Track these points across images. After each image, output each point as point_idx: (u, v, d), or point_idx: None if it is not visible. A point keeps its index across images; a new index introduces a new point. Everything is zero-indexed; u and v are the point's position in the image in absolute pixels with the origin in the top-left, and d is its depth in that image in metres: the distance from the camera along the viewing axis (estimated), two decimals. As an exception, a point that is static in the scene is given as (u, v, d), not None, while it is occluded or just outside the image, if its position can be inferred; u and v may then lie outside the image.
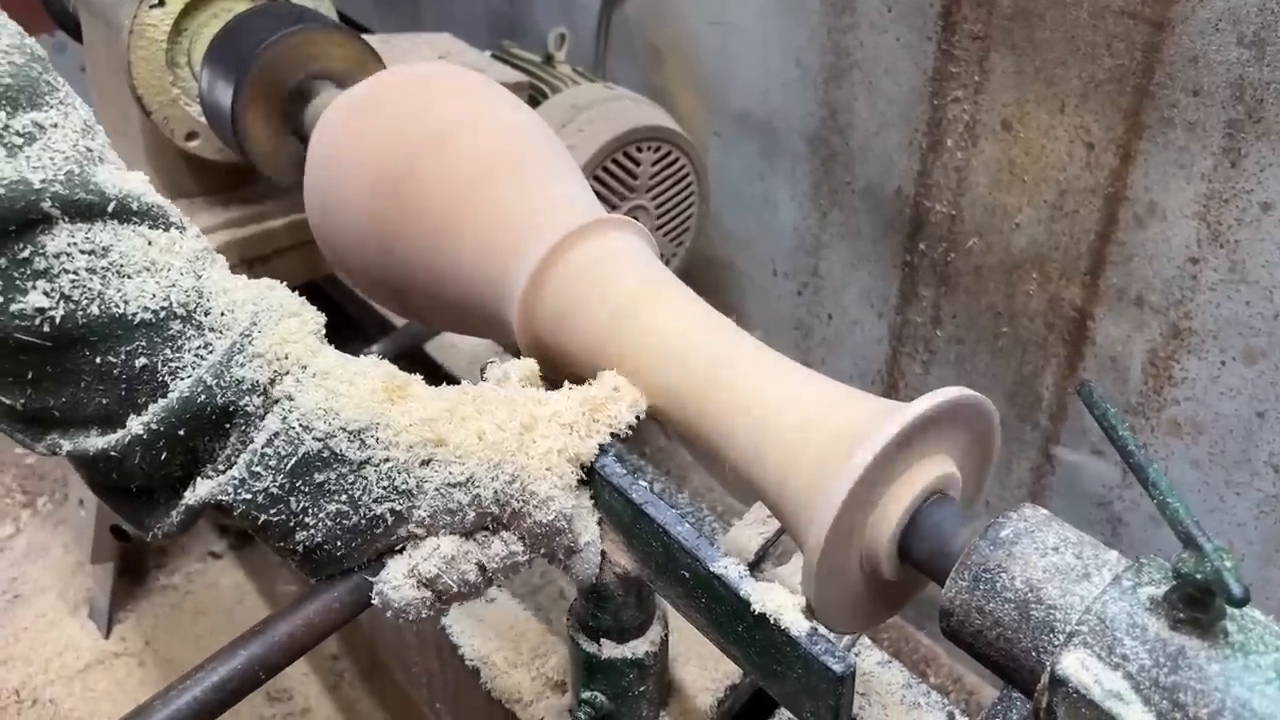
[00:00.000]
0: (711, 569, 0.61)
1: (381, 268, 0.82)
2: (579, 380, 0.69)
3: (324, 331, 0.65)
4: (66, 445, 0.59)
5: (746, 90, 1.57)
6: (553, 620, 0.97)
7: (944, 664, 1.59)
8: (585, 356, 0.71)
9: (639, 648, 0.75)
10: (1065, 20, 1.13)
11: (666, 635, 0.77)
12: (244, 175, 1.27)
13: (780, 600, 0.58)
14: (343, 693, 1.59)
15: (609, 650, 0.74)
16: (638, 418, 0.67)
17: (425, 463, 0.61)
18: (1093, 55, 1.12)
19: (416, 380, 0.65)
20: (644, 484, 0.65)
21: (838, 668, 0.55)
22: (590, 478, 0.66)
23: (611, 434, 0.66)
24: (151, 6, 1.09)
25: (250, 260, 1.27)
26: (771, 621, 0.58)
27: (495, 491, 0.61)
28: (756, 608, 0.58)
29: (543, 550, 0.65)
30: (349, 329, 1.42)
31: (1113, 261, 1.19)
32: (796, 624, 0.57)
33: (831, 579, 0.57)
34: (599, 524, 0.67)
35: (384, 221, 0.79)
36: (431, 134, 0.79)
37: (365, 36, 1.10)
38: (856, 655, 0.85)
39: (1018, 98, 1.21)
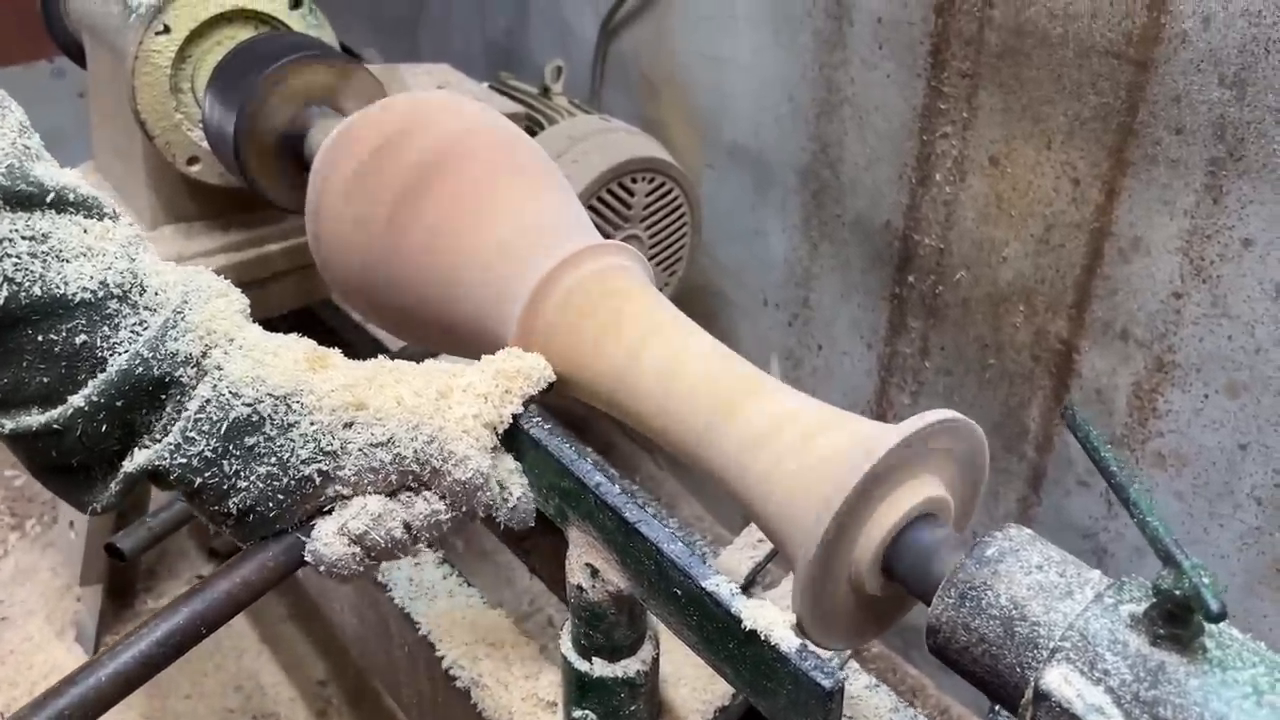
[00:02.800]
0: (703, 586, 0.62)
1: (381, 290, 0.83)
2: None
3: (249, 311, 0.69)
4: (9, 425, 0.62)
5: (739, 124, 1.59)
6: (547, 646, 0.98)
7: (931, 694, 1.60)
8: (581, 376, 0.72)
9: (631, 666, 0.75)
10: (1052, 59, 1.16)
11: (658, 654, 0.78)
12: (243, 200, 1.28)
13: (771, 617, 0.59)
14: (330, 719, 1.59)
15: (601, 669, 0.75)
16: (547, 388, 0.72)
17: (348, 425, 0.65)
18: (1078, 94, 1.15)
19: (336, 353, 0.70)
20: (636, 503, 0.66)
21: (827, 683, 0.56)
22: (512, 440, 0.71)
23: (524, 404, 0.71)
24: (157, 33, 1.11)
25: (246, 284, 1.28)
26: (762, 638, 0.59)
27: (415, 450, 0.66)
28: (747, 624, 0.59)
29: (464, 508, 0.69)
30: (343, 353, 1.42)
31: (1098, 295, 1.21)
32: (786, 640, 0.58)
33: (820, 596, 0.59)
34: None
35: (385, 244, 0.80)
36: (433, 160, 0.81)
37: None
38: (844, 678, 0.86)
39: (1005, 134, 1.24)
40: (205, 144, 1.16)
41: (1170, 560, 0.47)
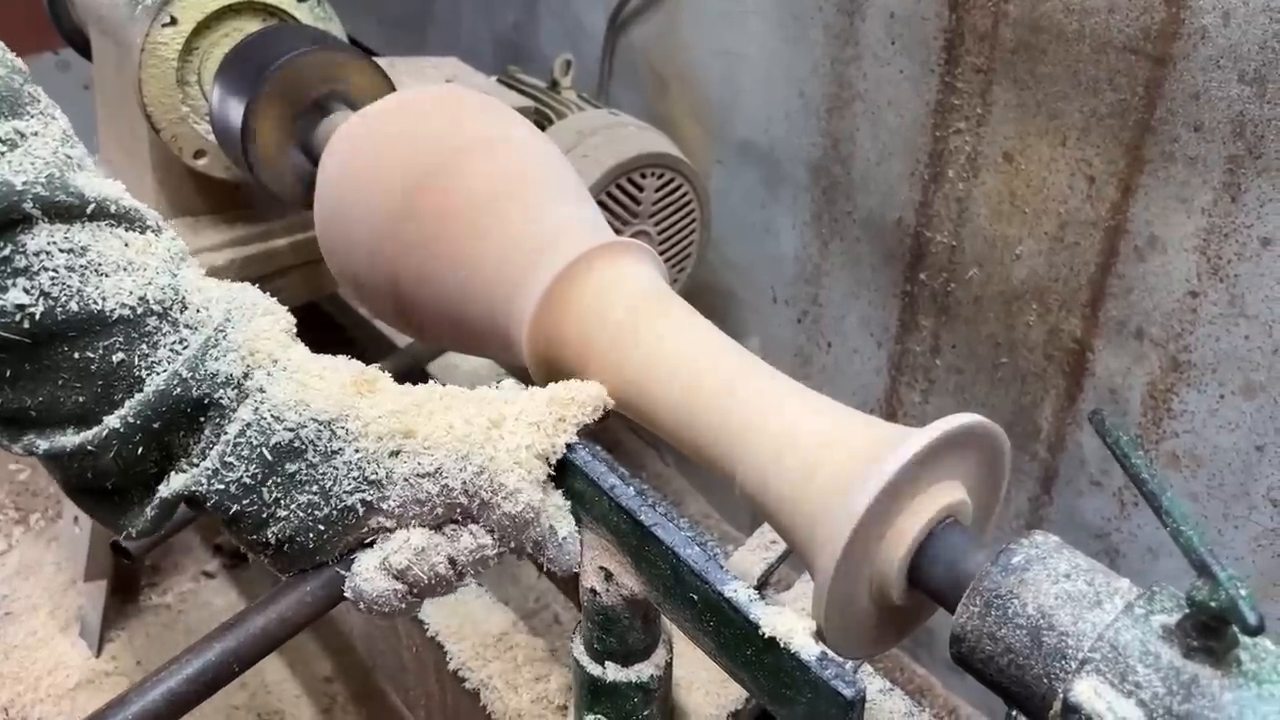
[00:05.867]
0: (721, 591, 0.61)
1: (390, 285, 0.82)
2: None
3: (295, 330, 0.66)
4: (43, 444, 0.60)
5: (750, 119, 1.58)
6: (557, 648, 0.97)
7: (939, 694, 1.59)
8: (595, 376, 0.71)
9: (644, 671, 0.74)
10: (1068, 55, 1.15)
11: (671, 658, 0.77)
12: (249, 194, 1.27)
13: (790, 624, 0.58)
14: (335, 716, 1.58)
15: (614, 673, 0.74)
16: (604, 415, 0.69)
17: (394, 454, 0.62)
18: (1095, 90, 1.14)
19: (385, 376, 0.67)
20: (651, 506, 0.65)
21: (848, 692, 0.55)
22: (562, 473, 0.67)
23: (578, 433, 0.67)
24: (164, 25, 1.10)
25: (252, 279, 1.26)
26: (781, 645, 0.58)
27: (464, 482, 0.63)
28: (766, 631, 0.58)
29: (511, 544, 0.66)
30: (349, 349, 1.41)
31: (1112, 294, 1.20)
32: (806, 648, 0.57)
33: (842, 603, 0.57)
34: (579, 524, 0.68)
35: (395, 239, 0.79)
36: (446, 154, 0.79)
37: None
38: (865, 687, 0.85)
39: (1019, 130, 1.23)
40: (212, 137, 1.15)
41: (1205, 571, 0.46)
